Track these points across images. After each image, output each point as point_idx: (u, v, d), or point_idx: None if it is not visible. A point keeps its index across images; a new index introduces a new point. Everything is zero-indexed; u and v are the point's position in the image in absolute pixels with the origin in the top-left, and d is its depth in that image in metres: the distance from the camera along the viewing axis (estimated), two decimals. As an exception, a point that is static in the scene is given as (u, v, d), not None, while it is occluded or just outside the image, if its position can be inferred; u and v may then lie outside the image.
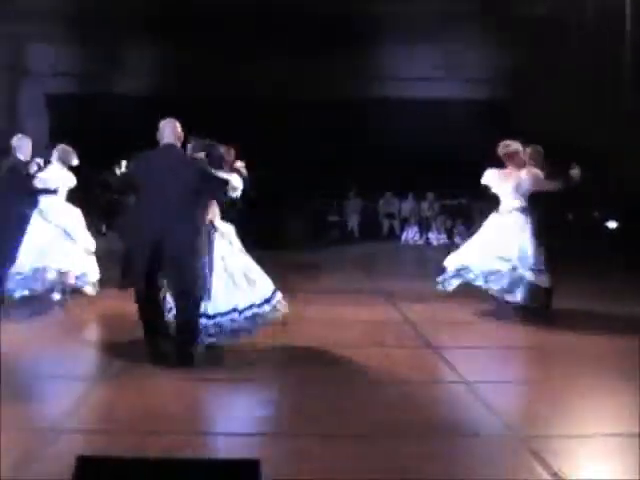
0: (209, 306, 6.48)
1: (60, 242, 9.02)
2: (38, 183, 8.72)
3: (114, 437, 4.71)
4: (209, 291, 6.47)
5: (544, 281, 8.17)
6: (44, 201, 8.99)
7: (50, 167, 9.13)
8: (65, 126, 17.25)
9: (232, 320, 6.59)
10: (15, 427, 4.80)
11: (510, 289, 8.17)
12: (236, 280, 6.72)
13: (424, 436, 4.75)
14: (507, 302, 8.35)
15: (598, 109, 16.07)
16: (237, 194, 7.05)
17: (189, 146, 6.87)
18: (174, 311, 6.49)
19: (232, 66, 17.87)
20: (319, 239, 17.24)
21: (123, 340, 7.01)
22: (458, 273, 8.47)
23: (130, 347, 6.72)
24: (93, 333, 7.80)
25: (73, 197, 9.45)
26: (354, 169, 17.56)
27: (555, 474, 4.11)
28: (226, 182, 6.74)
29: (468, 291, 8.55)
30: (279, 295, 6.93)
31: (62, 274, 8.92)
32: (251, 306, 6.68)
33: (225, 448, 4.51)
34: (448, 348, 7.03)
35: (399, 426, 4.94)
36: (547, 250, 8.27)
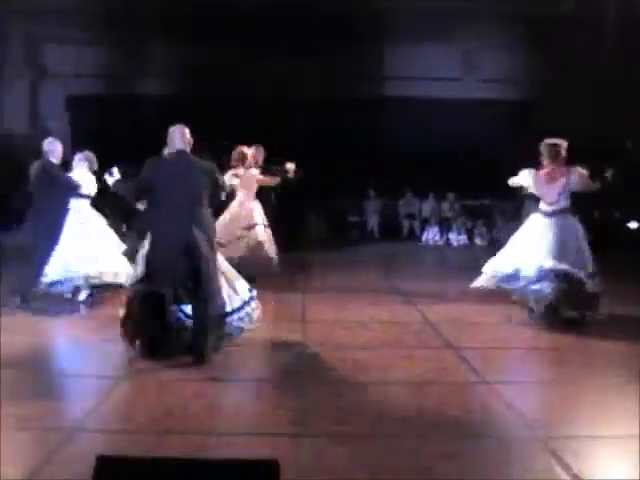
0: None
1: (95, 243, 9.18)
2: (71, 185, 8.92)
3: (134, 437, 4.73)
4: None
5: (596, 285, 7.96)
6: (74, 204, 9.13)
7: (76, 172, 9.30)
8: (86, 128, 17.35)
9: (229, 321, 6.77)
10: (35, 426, 4.84)
11: (547, 294, 7.88)
12: (227, 282, 6.83)
13: (444, 436, 4.74)
14: (532, 309, 8.16)
15: (623, 108, 15.96)
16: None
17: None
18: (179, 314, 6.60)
19: (258, 66, 17.88)
20: (339, 239, 17.24)
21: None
22: (504, 277, 8.19)
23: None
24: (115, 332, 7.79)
25: (94, 198, 9.56)
26: (374, 169, 17.52)
27: (575, 475, 4.09)
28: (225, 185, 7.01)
29: (489, 292, 8.51)
30: (255, 294, 7.15)
31: (91, 276, 9.06)
32: (240, 308, 6.78)
33: (244, 448, 4.52)
34: (468, 348, 7.01)
35: (419, 426, 4.94)
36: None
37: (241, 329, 6.91)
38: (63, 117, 18.88)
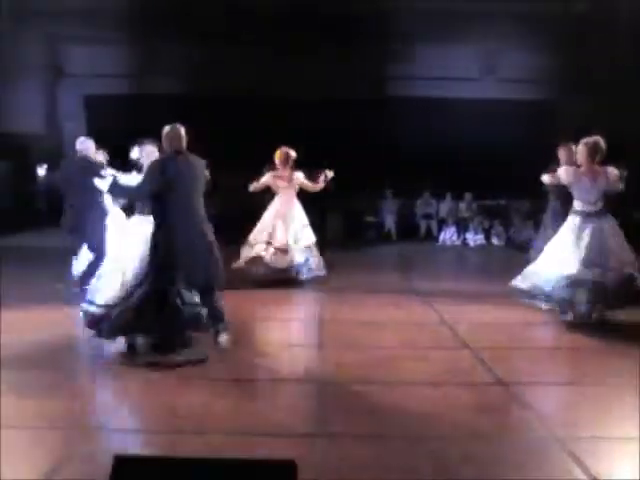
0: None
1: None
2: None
3: (152, 436, 4.74)
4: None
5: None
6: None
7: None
8: (104, 127, 17.38)
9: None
10: (54, 426, 4.87)
11: (589, 298, 7.69)
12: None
13: (462, 437, 4.73)
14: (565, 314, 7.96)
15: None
16: None
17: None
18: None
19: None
20: (356, 239, 17.22)
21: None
22: (547, 280, 7.93)
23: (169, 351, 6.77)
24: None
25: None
26: (391, 169, 17.48)
27: (594, 476, 4.07)
28: None
29: (506, 292, 8.46)
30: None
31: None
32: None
33: (262, 448, 4.52)
34: (486, 349, 6.99)
35: (436, 427, 4.93)
36: None
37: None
38: (80, 117, 18.94)
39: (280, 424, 4.97)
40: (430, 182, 18.40)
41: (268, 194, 10.88)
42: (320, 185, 10.66)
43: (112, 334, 6.69)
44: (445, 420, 5.06)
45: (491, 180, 16.72)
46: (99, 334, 6.69)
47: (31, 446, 4.53)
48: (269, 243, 10.35)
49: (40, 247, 13.88)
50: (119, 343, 6.74)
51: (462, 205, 18.58)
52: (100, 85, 18.71)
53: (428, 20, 17.53)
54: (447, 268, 14.60)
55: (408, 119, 17.85)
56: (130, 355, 6.59)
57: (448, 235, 17.87)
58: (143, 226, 6.88)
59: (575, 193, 8.06)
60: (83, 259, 9.20)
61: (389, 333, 7.74)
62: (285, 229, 10.45)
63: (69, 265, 9.54)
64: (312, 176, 10.75)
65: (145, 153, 7.28)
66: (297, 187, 10.74)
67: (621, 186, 7.99)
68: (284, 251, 10.32)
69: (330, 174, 10.59)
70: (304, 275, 10.50)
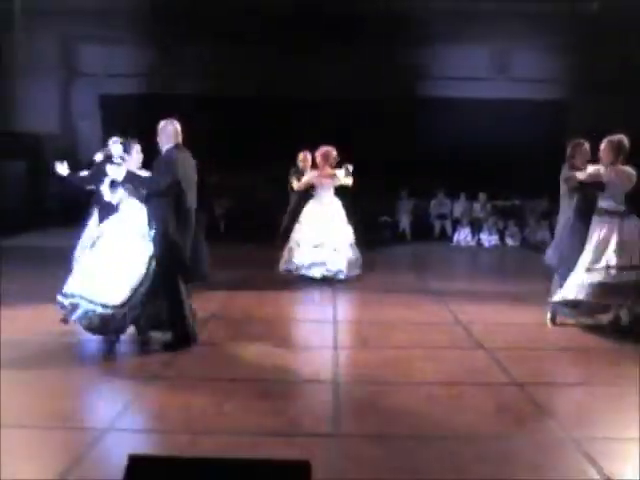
0: None
1: None
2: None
3: (166, 437, 4.75)
4: None
5: None
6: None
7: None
8: (119, 127, 17.42)
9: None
10: (68, 426, 4.88)
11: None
12: None
13: (476, 437, 4.72)
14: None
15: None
16: None
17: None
18: None
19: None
20: (371, 240, 17.19)
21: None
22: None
23: (185, 347, 6.80)
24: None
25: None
26: (406, 169, 17.44)
27: (608, 477, 4.05)
28: None
29: (518, 292, 8.43)
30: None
31: None
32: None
33: (276, 449, 4.51)
34: (500, 349, 6.96)
35: (450, 427, 4.92)
36: None
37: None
38: (95, 116, 18.97)
39: (293, 424, 4.96)
40: (444, 182, 18.36)
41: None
42: (350, 179, 10.80)
43: (122, 333, 6.73)
44: (460, 420, 5.05)
45: (505, 180, 16.68)
46: (109, 334, 6.70)
47: (43, 446, 4.54)
48: (319, 245, 10.43)
49: (58, 247, 13.90)
50: (128, 342, 6.77)
51: (476, 205, 18.51)
52: (115, 85, 18.74)
53: (443, 20, 17.49)
54: (462, 268, 14.56)
55: (422, 119, 17.81)
56: (143, 352, 6.62)
57: (462, 235, 17.80)
58: (134, 211, 6.92)
59: (607, 192, 7.78)
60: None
61: (403, 333, 7.72)
62: (335, 228, 10.68)
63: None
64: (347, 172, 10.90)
65: (134, 150, 7.32)
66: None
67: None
68: (337, 250, 10.54)
69: (351, 167, 10.66)
70: (344, 274, 10.65)
